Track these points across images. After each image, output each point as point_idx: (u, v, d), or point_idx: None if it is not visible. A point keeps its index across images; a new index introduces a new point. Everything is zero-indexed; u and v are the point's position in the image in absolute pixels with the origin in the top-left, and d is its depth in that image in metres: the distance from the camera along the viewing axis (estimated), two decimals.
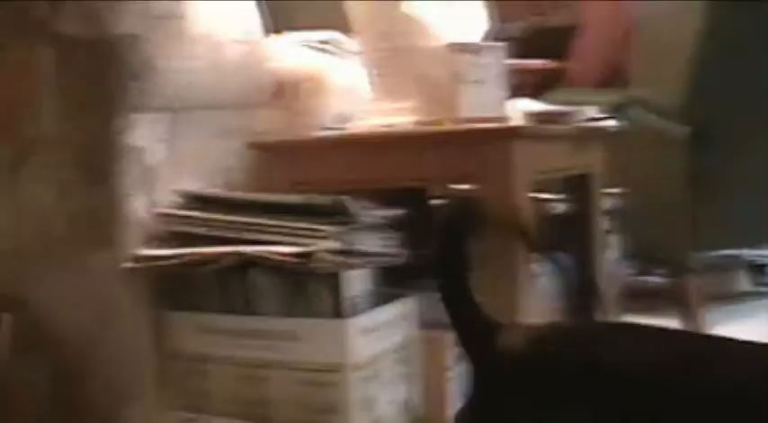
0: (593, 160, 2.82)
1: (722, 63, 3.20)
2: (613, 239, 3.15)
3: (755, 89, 3.27)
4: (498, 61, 2.44)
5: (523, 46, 4.20)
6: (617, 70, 3.70)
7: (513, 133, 2.26)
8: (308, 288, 2.14)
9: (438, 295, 1.35)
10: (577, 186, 2.84)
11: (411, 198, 2.56)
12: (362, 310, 2.20)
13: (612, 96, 3.41)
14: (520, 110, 2.56)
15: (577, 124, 2.64)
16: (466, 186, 2.44)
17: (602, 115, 2.79)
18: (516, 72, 3.55)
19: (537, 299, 2.51)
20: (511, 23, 4.06)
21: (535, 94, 3.67)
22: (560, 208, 2.89)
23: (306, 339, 2.15)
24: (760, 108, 3.30)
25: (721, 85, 3.21)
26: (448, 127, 2.31)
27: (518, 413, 1.24)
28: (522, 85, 3.63)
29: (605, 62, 3.76)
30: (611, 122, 2.84)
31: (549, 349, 1.28)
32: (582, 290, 2.78)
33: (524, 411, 1.23)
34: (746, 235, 3.56)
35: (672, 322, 3.28)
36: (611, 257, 3.11)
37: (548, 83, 3.82)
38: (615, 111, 3.23)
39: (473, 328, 1.33)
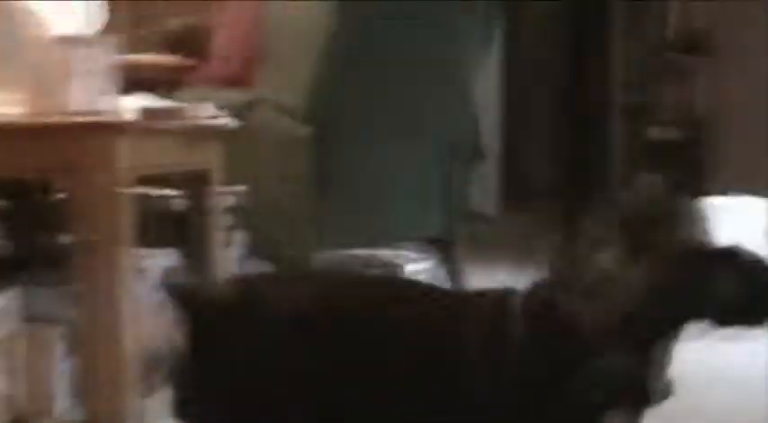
0: (210, 157, 2.93)
1: (346, 66, 3.40)
2: (237, 237, 3.28)
3: (376, 93, 3.50)
4: (109, 55, 2.51)
5: (168, 44, 4.29)
6: (252, 70, 3.84)
7: (115, 128, 2.33)
8: None
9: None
10: (195, 183, 2.95)
11: (20, 190, 2.60)
12: None
13: (242, 95, 3.55)
14: (132, 105, 2.64)
15: (193, 121, 2.75)
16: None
17: (219, 113, 2.91)
18: (140, 68, 3.64)
19: (144, 295, 2.60)
20: (153, 21, 4.16)
21: (165, 90, 3.76)
22: (177, 204, 2.99)
23: None
24: (380, 110, 3.53)
25: (344, 88, 3.42)
26: (49, 119, 2.36)
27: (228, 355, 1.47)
28: (149, 81, 3.71)
29: (241, 62, 3.89)
30: (230, 120, 2.97)
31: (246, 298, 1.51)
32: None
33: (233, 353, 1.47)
34: (370, 235, 3.78)
35: None
36: (234, 255, 3.25)
37: (179, 80, 3.91)
38: (241, 109, 3.37)
39: (180, 289, 1.57)
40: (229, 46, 3.92)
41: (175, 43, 4.31)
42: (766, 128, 4.69)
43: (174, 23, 4.40)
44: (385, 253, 4.41)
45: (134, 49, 4.16)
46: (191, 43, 4.25)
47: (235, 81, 3.76)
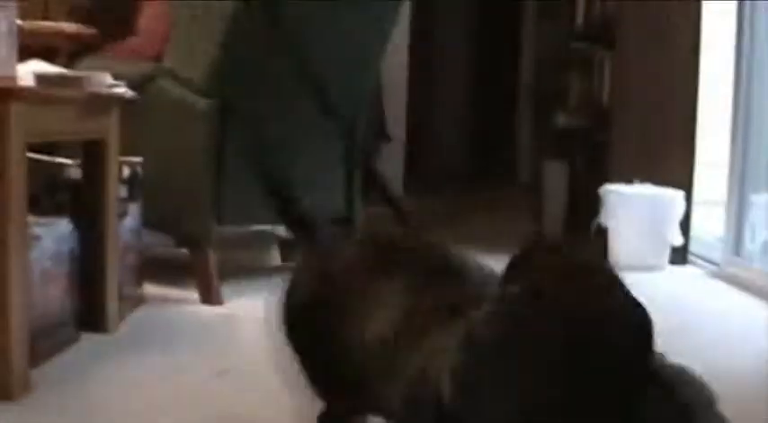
0: (107, 127, 2.96)
1: (246, 46, 3.44)
2: (133, 208, 3.31)
3: (279, 72, 3.54)
4: (8, 20, 2.51)
5: (79, 15, 4.30)
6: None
7: (9, 93, 2.34)
8: None
9: None
10: (92, 152, 2.97)
11: None
12: None
13: (143, 67, 3.57)
14: (30, 71, 2.66)
15: (89, 90, 2.77)
16: None
17: (117, 83, 2.94)
18: (40, 34, 3.64)
19: (37, 262, 2.62)
20: None
21: (69, 59, 3.77)
22: (72, 173, 3.01)
23: None
24: (283, 88, 3.58)
25: (246, 64, 3.46)
26: None
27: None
28: (54, 49, 3.73)
29: (163, 40, 3.90)
30: (127, 90, 2.99)
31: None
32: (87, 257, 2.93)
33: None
34: (268, 212, 3.82)
35: (191, 294, 3.49)
36: (130, 226, 3.27)
37: (85, 49, 3.92)
38: (144, 81, 3.40)
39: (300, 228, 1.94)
40: (153, 24, 3.94)
41: (86, 14, 4.32)
42: (662, 120, 4.83)
43: None
44: (284, 229, 4.46)
45: (42, 17, 4.17)
46: (101, 15, 4.26)
47: (157, 58, 3.76)
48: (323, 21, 3.64)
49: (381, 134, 6.66)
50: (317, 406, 1.93)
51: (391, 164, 7.18)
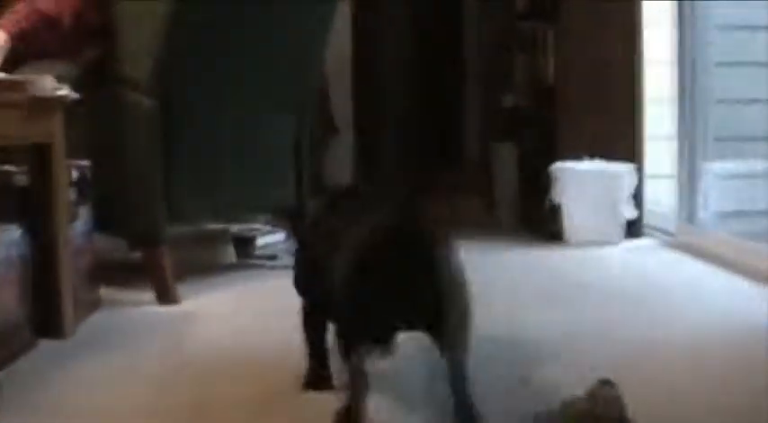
0: (52, 130, 2.96)
1: (188, 45, 3.45)
2: (84, 212, 3.31)
3: (222, 66, 3.56)
4: None
5: None
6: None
7: None
8: None
9: None
10: (39, 156, 2.97)
11: None
12: None
13: (84, 68, 3.57)
14: None
15: (33, 94, 2.78)
16: None
17: (60, 85, 2.94)
18: None
19: None
20: None
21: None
22: (19, 179, 3.01)
23: None
24: (227, 84, 3.59)
25: (187, 63, 3.47)
26: None
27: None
28: None
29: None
30: (73, 93, 2.99)
31: None
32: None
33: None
34: (219, 208, 3.84)
35: (147, 295, 3.50)
36: (81, 230, 3.28)
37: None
38: (83, 82, 3.40)
39: None
40: None
41: None
42: (608, 94, 4.88)
43: None
44: (238, 227, 4.47)
45: None
46: None
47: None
48: (263, 18, 3.66)
49: (329, 127, 6.67)
50: (280, 392, 1.95)
51: (341, 156, 7.20)
